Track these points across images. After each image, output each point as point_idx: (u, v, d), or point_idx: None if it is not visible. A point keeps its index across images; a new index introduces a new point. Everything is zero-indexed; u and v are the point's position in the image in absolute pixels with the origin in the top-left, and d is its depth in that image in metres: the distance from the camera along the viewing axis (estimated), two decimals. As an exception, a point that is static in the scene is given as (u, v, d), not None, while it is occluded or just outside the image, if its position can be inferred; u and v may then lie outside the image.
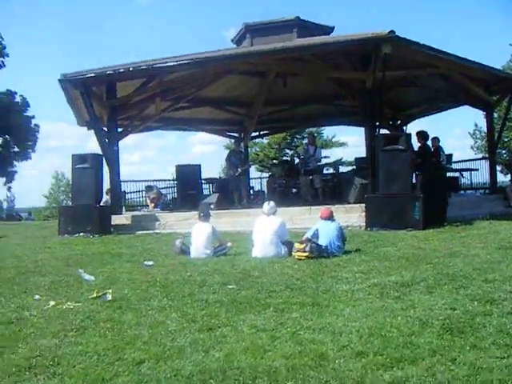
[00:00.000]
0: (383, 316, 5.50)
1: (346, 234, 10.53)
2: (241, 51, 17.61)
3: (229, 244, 10.68)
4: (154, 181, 24.98)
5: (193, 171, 20.24)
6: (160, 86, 17.32)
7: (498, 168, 23.89)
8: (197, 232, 10.56)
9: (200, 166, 20.66)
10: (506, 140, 37.09)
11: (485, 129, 23.02)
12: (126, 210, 20.05)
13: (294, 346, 4.76)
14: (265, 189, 22.91)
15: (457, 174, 19.85)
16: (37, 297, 7.19)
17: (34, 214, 43.23)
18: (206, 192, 21.20)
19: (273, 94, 22.09)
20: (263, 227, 10.14)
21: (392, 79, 16.36)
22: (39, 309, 6.54)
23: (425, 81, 18.74)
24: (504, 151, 38.45)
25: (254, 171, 44.59)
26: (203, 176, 20.99)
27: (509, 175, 20.99)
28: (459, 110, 23.01)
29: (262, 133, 29.71)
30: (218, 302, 6.46)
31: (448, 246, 10.02)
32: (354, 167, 21.65)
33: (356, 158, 22.03)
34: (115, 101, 16.67)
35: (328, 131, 50.22)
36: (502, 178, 27.31)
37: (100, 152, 16.18)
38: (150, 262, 9.69)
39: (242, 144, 23.21)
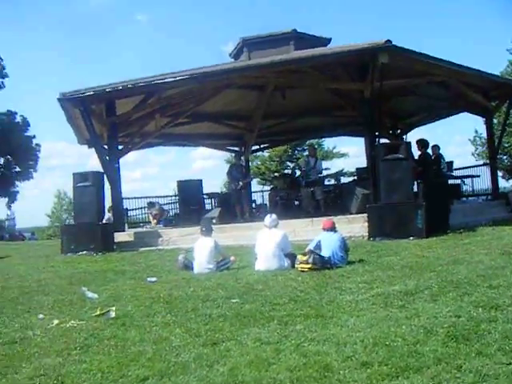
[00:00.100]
0: (387, 325, 5.48)
1: (349, 245, 10.49)
2: (238, 65, 17.63)
3: (232, 258, 10.65)
4: (155, 197, 25.12)
5: (194, 186, 20.29)
6: (159, 102, 17.33)
7: (500, 174, 23.86)
8: (199, 247, 10.53)
9: (201, 180, 20.72)
10: (506, 145, 37.10)
11: (485, 135, 22.98)
12: (129, 227, 20.00)
13: (299, 358, 4.74)
14: (267, 202, 22.94)
15: (458, 181, 19.85)
16: (40, 316, 7.17)
17: (37, 234, 43.31)
18: (208, 207, 21.23)
19: (272, 107, 22.14)
20: (265, 240, 10.12)
21: (391, 88, 16.42)
22: (43, 328, 6.52)
23: (424, 89, 18.75)
24: (505, 157, 38.47)
25: (255, 184, 44.65)
26: (205, 191, 21.05)
27: (511, 180, 20.95)
28: (459, 116, 23.07)
29: (262, 146, 29.71)
30: (222, 317, 6.43)
31: (451, 254, 9.99)
32: (356, 177, 21.68)
33: (357, 169, 22.07)
34: (115, 118, 16.70)
35: (328, 142, 50.24)
36: (503, 183, 27.37)
37: (101, 170, 16.20)
38: (154, 279, 9.67)
39: (243, 158, 23.20)
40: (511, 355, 4.39)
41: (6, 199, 40.35)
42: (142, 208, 24.93)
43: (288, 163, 49.15)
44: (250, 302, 7.16)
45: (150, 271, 10.83)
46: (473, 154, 42.76)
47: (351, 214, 15.41)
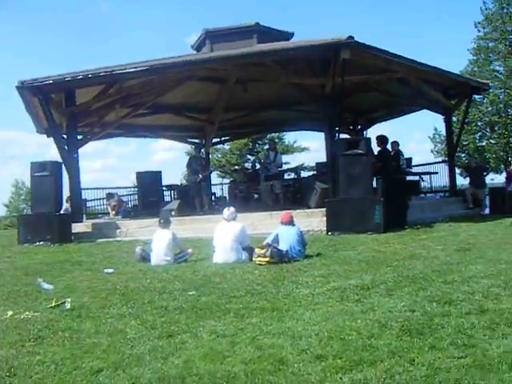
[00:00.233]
0: (343, 319, 5.51)
1: (307, 239, 10.56)
2: (200, 57, 17.57)
3: (189, 251, 10.61)
4: (115, 188, 24.89)
5: (153, 178, 20.22)
6: (119, 92, 17.18)
7: (458, 171, 24.18)
8: (157, 239, 10.47)
9: (161, 172, 20.67)
10: (464, 143, 37.71)
11: (444, 133, 23.24)
12: (87, 218, 19.82)
13: (254, 351, 4.74)
14: (226, 195, 22.97)
15: (417, 178, 20.07)
16: (-6, 307, 7.07)
17: (-7, 224, 42.58)
18: (167, 199, 21.13)
19: (233, 100, 22.12)
20: (224, 233, 10.11)
21: (352, 84, 16.53)
22: (-4, 319, 6.42)
23: (385, 85, 18.90)
24: (463, 154, 39.07)
25: (215, 177, 44.66)
26: (164, 183, 20.96)
27: (468, 178, 21.24)
28: (419, 113, 23.28)
29: (223, 139, 29.76)
30: (178, 309, 6.40)
31: (408, 249, 10.12)
32: (315, 172, 21.79)
33: (317, 163, 22.21)
34: (74, 108, 16.52)
35: (290, 136, 50.35)
36: (461, 180, 27.78)
37: (60, 160, 16.00)
38: (110, 270, 9.58)
39: (203, 150, 23.18)
40: (463, 349, 4.45)
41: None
42: (100, 199, 24.73)
43: (248, 156, 49.20)
44: (207, 294, 7.14)
45: (107, 263, 10.73)
46: (432, 151, 43.42)
47: (310, 208, 15.47)
